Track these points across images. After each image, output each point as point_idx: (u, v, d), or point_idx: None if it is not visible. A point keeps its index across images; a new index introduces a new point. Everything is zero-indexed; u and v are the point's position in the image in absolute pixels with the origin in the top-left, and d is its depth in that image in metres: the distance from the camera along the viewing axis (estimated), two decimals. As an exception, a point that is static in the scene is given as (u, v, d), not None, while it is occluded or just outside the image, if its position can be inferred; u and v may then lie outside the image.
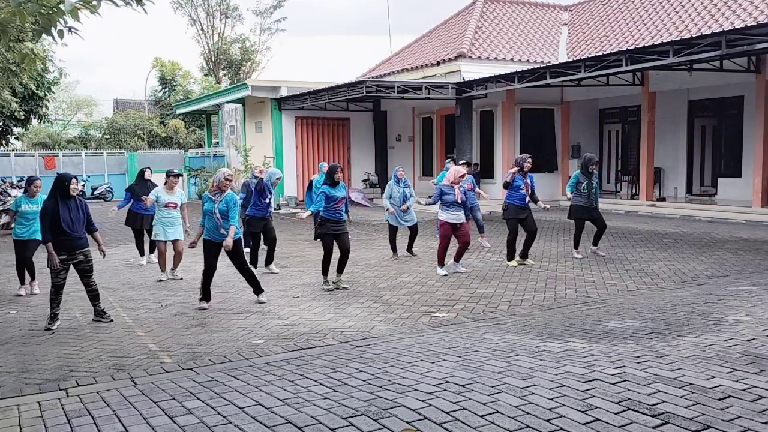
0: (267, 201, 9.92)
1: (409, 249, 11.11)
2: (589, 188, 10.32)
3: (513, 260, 10.05)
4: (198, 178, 25.25)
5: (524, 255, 10.12)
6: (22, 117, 21.49)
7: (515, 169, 10.02)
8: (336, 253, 8.54)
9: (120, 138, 34.29)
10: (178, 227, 9.48)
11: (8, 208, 16.14)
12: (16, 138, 28.13)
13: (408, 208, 10.65)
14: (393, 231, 11.05)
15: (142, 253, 11.12)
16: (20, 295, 8.58)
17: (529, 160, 10.13)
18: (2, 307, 7.97)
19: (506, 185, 10.01)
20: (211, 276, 7.66)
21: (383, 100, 21.35)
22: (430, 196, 9.72)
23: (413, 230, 11.10)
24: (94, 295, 7.11)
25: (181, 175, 10.09)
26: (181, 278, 9.35)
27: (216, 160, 25.83)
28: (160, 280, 9.31)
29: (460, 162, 11.14)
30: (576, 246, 10.56)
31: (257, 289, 7.87)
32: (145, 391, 4.54)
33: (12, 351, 6.02)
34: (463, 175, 9.44)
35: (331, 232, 8.47)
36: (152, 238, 9.48)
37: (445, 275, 9.20)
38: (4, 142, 23.27)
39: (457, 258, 9.55)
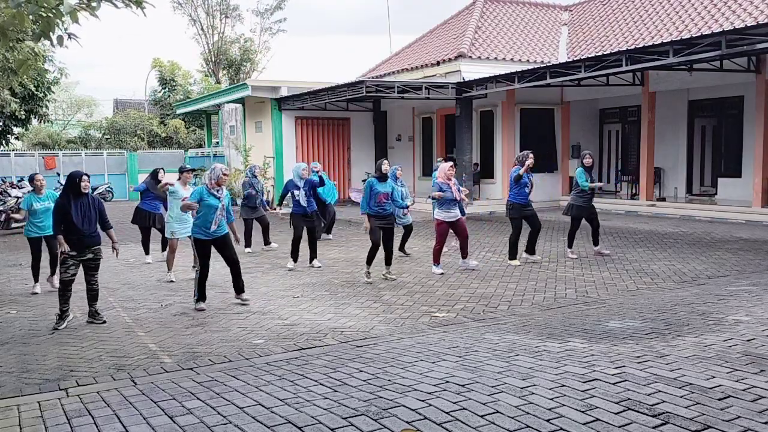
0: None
1: (402, 248, 11.15)
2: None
3: (515, 259, 10.06)
4: (198, 177, 25.25)
5: (531, 251, 10.18)
6: (23, 117, 21.47)
7: (524, 168, 9.93)
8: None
9: (120, 138, 34.26)
10: (191, 224, 9.46)
11: (8, 208, 16.15)
12: (16, 138, 28.12)
13: (408, 209, 10.72)
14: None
15: (147, 252, 11.13)
16: (36, 293, 8.63)
17: (531, 156, 10.15)
18: (2, 307, 7.97)
19: (518, 179, 9.95)
20: (207, 276, 7.64)
21: (383, 100, 21.33)
22: (431, 197, 9.82)
23: (408, 230, 11.16)
24: (93, 295, 7.11)
25: (195, 170, 10.28)
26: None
27: (216, 160, 25.84)
28: (172, 281, 9.26)
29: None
30: (570, 245, 10.56)
31: (240, 287, 7.77)
32: (145, 391, 4.54)
33: (12, 351, 6.02)
34: (452, 167, 9.67)
35: (373, 226, 8.90)
36: (167, 235, 9.52)
37: (442, 273, 9.30)
38: (4, 142, 23.24)
39: (464, 254, 9.65)
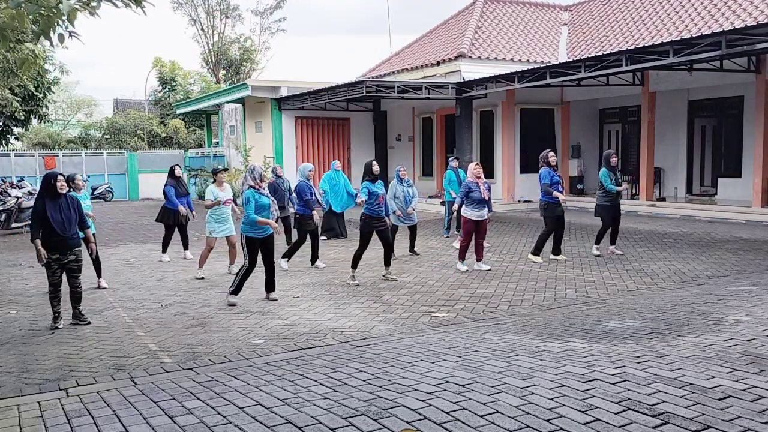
0: (313, 198, 10.23)
1: (412, 249, 11.21)
2: (617, 185, 10.40)
3: (539, 257, 10.10)
4: (198, 177, 25.23)
5: (558, 251, 10.24)
6: (23, 117, 21.46)
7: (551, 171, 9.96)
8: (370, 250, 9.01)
9: (120, 138, 34.25)
10: (231, 223, 9.58)
11: (9, 208, 16.15)
12: (16, 138, 28.11)
13: (413, 210, 10.80)
14: (394, 230, 11.10)
15: (165, 251, 11.26)
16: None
17: (552, 153, 10.15)
18: (2, 307, 7.97)
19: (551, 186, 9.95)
20: (252, 272, 7.83)
21: (383, 100, 21.33)
22: (441, 202, 9.91)
23: (413, 230, 11.18)
24: (76, 297, 7.05)
25: (227, 170, 10.38)
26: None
27: (216, 160, 25.82)
28: (201, 278, 9.41)
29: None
30: (598, 242, 10.56)
31: (272, 286, 7.95)
32: (145, 391, 4.54)
33: (12, 351, 6.03)
34: (477, 165, 9.75)
35: (370, 228, 8.86)
36: (206, 234, 9.61)
37: (466, 270, 9.37)
38: (4, 142, 23.24)
39: (479, 256, 9.67)
